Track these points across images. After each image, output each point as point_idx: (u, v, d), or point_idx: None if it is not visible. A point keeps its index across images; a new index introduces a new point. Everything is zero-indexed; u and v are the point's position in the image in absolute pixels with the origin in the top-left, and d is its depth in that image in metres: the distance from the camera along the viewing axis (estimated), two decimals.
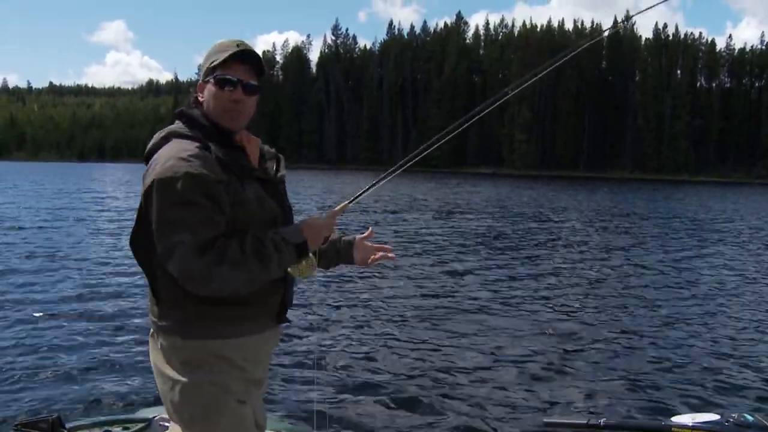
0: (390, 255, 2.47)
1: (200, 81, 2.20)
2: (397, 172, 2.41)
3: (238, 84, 2.14)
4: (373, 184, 2.41)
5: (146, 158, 2.14)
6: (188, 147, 2.04)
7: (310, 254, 2.15)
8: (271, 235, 2.06)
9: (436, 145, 2.53)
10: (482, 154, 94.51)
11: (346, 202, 2.32)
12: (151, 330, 2.22)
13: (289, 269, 2.14)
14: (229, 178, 2.05)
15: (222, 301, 2.07)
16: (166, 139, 2.12)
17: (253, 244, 2.01)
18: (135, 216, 2.11)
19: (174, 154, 2.01)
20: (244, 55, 2.16)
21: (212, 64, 2.14)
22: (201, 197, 1.96)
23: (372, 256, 2.44)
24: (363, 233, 2.43)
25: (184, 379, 2.12)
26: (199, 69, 2.24)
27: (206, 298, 2.03)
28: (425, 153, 2.46)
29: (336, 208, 2.28)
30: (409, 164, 2.43)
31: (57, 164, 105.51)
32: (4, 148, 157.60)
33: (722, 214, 26.66)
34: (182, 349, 2.12)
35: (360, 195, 2.37)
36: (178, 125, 2.17)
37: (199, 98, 2.19)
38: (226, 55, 2.13)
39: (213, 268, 1.93)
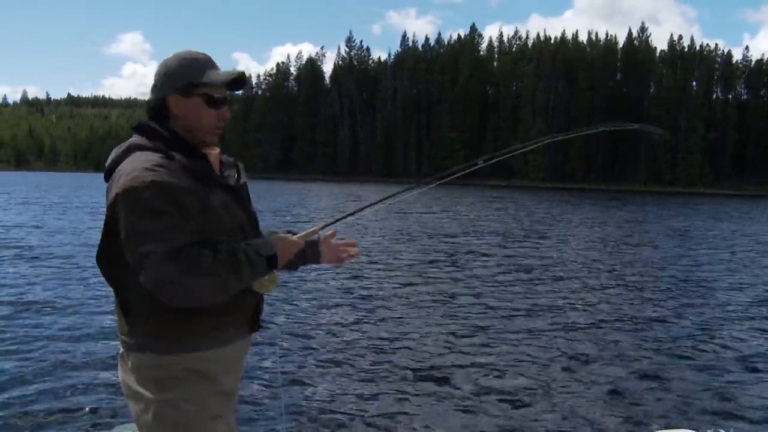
0: (356, 249, 2.48)
1: (170, 94, 2.13)
2: (377, 205, 2.56)
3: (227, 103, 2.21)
4: (348, 215, 2.54)
5: (108, 173, 2.14)
6: (151, 157, 2.04)
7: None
8: (244, 246, 2.07)
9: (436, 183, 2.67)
10: (495, 165, 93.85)
11: (317, 227, 2.39)
12: (121, 350, 2.20)
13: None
14: (197, 186, 2.05)
15: (198, 312, 2.05)
16: (127, 152, 2.11)
17: (226, 254, 2.01)
18: (101, 231, 2.09)
19: (138, 165, 2.00)
20: (243, 81, 2.23)
21: (198, 81, 2.13)
22: (168, 205, 1.95)
23: (344, 253, 2.45)
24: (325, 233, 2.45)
25: (158, 399, 2.10)
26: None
27: (181, 309, 2.01)
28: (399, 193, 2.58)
29: (307, 231, 2.36)
30: (385, 200, 2.59)
31: (75, 175, 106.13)
32: (23, 158, 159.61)
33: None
34: (157, 366, 2.09)
35: (333, 222, 2.45)
36: (137, 138, 2.15)
37: (172, 111, 2.14)
38: (226, 78, 2.16)
39: (184, 276, 1.91)
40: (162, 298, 1.95)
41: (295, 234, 2.34)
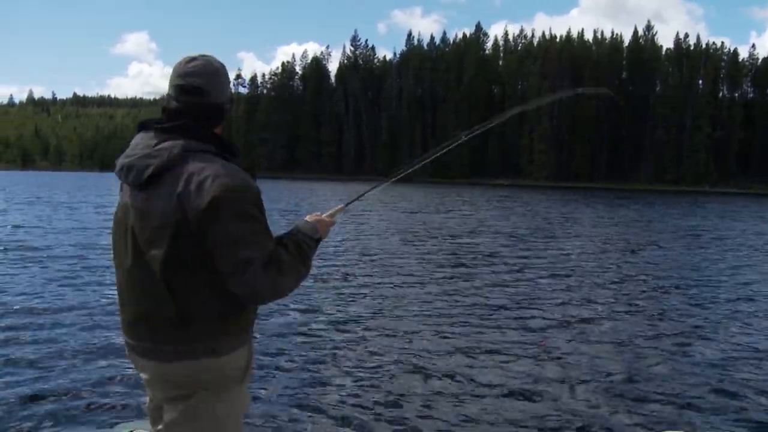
0: None
1: (226, 103, 2.21)
2: (394, 179, 2.83)
3: None
4: (369, 190, 2.80)
5: (153, 174, 2.01)
6: (225, 163, 2.07)
7: None
8: (300, 236, 2.21)
9: (437, 155, 2.98)
10: (501, 165, 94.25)
11: (343, 205, 2.57)
12: (144, 361, 2.15)
13: None
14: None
15: (244, 309, 2.12)
16: (184, 155, 2.02)
17: (294, 247, 2.14)
18: (161, 234, 2.00)
19: (218, 170, 2.01)
20: None
21: (230, 93, 2.27)
22: (259, 210, 2.06)
23: None
24: None
25: (204, 400, 2.11)
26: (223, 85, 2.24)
27: (238, 309, 2.09)
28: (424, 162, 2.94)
29: (336, 209, 2.51)
30: (406, 173, 2.93)
31: (81, 174, 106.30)
32: (29, 157, 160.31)
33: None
34: (215, 369, 2.10)
35: (356, 199, 2.71)
36: (185, 140, 2.05)
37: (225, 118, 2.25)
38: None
39: (277, 278, 2.02)
40: (253, 301, 2.08)
41: None
